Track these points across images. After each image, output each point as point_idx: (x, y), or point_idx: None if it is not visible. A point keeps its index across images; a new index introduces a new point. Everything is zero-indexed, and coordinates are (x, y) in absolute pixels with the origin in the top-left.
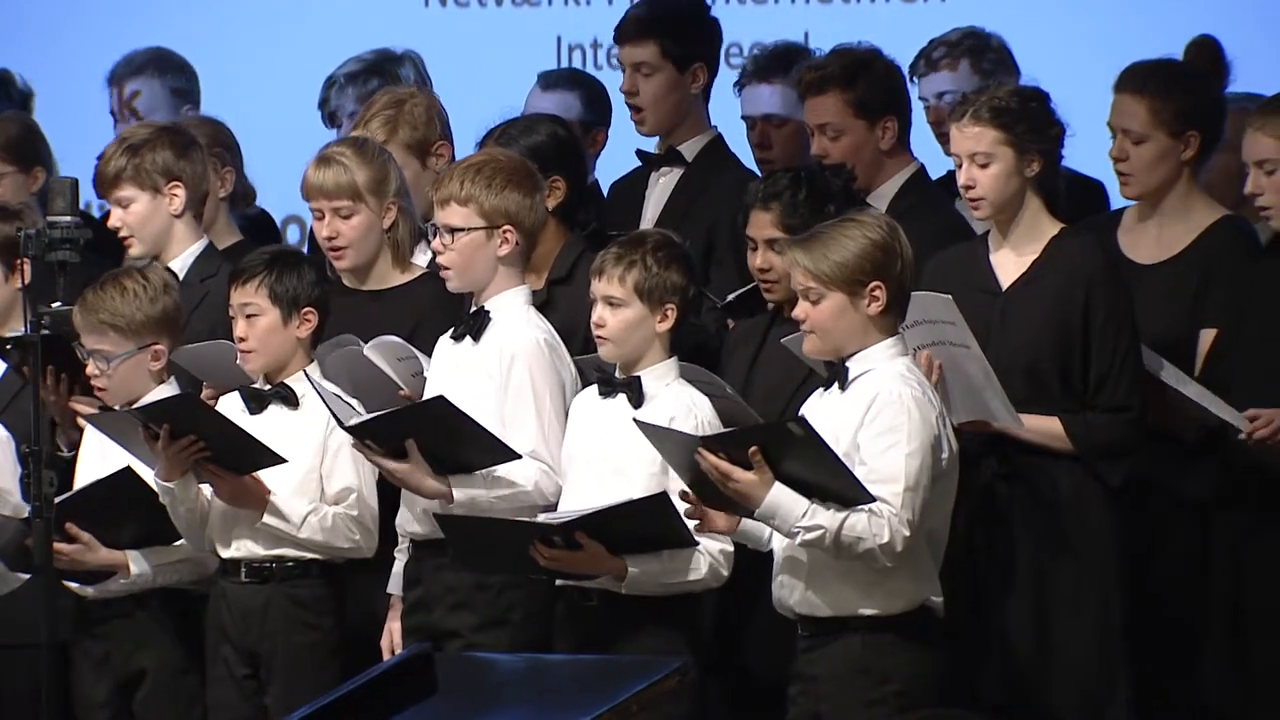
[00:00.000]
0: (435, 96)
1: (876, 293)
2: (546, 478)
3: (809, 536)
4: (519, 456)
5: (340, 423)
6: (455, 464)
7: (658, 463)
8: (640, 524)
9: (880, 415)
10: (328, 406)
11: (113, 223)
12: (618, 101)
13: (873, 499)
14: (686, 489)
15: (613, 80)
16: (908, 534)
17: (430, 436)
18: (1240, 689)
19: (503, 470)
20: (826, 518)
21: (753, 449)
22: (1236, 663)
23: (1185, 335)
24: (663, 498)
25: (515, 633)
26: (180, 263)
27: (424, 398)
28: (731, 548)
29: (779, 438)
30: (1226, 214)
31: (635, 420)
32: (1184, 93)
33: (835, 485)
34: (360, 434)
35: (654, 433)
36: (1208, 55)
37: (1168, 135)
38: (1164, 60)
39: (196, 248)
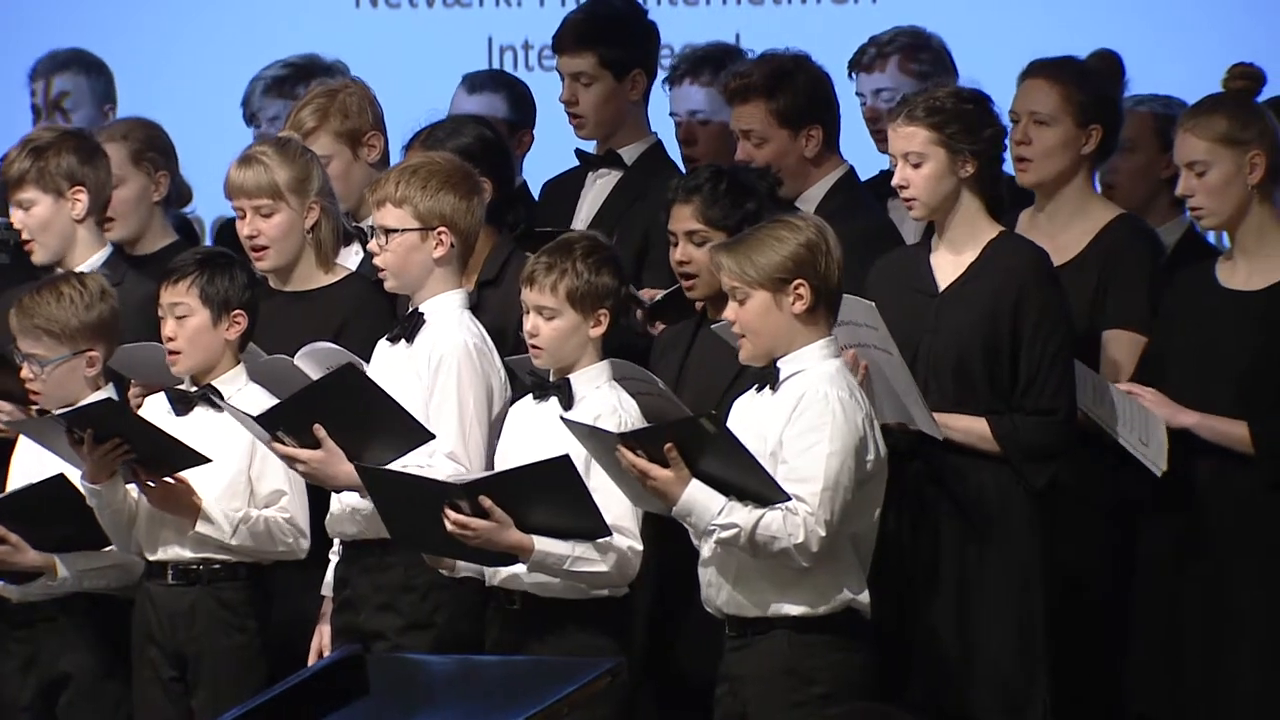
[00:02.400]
0: (369, 89)
1: (800, 290)
2: None
3: (724, 535)
4: (433, 436)
5: (250, 417)
6: (371, 457)
7: (579, 463)
8: (547, 497)
9: (804, 414)
10: (237, 419)
11: (15, 224)
12: (543, 102)
13: (787, 498)
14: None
15: (543, 82)
16: (823, 534)
17: (343, 418)
18: (1172, 694)
19: (421, 465)
20: (742, 516)
21: (668, 446)
22: (1169, 667)
23: (1086, 336)
24: (565, 460)
25: (440, 635)
26: (85, 270)
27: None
28: (641, 546)
29: (693, 433)
30: (1122, 212)
31: (561, 418)
32: (1094, 85)
33: (751, 484)
34: (272, 423)
35: (579, 430)
36: (1108, 68)
37: (1074, 124)
38: (1072, 56)
39: (101, 255)
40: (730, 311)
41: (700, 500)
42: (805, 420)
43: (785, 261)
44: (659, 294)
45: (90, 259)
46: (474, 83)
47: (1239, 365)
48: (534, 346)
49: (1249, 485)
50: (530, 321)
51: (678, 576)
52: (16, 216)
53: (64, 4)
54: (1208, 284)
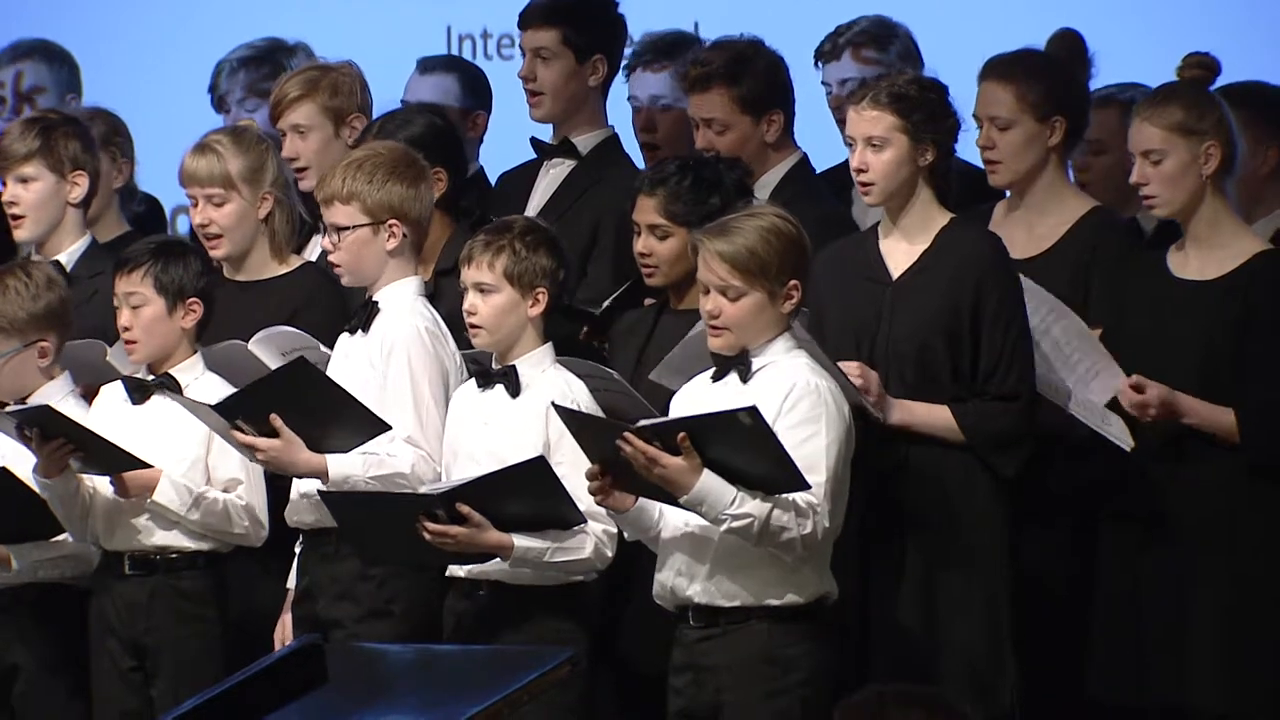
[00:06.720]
0: (363, 75)
1: (793, 292)
2: (424, 464)
3: (737, 525)
4: (389, 428)
5: (208, 407)
6: (330, 446)
7: (538, 451)
8: (522, 496)
9: (799, 405)
10: (193, 411)
11: (7, 198)
12: (501, 91)
13: (808, 486)
14: (593, 466)
15: (501, 71)
16: (828, 525)
17: (300, 410)
18: (1136, 682)
19: (381, 452)
20: (755, 506)
21: (682, 435)
22: (1136, 658)
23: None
24: (540, 462)
25: (397, 624)
26: (66, 257)
27: None
28: (615, 529)
29: (728, 427)
30: (1096, 205)
31: (554, 404)
32: (1048, 78)
33: (769, 474)
34: (230, 412)
35: (572, 418)
36: (1070, 48)
37: (1034, 120)
38: (1025, 49)
39: (83, 243)
40: (715, 304)
41: (714, 489)
42: (800, 411)
43: (784, 262)
44: (607, 301)
45: (71, 247)
46: (427, 65)
47: (1190, 355)
48: (473, 326)
49: (1212, 475)
50: (469, 300)
51: (618, 565)
52: (11, 191)
53: None
54: (1159, 273)
